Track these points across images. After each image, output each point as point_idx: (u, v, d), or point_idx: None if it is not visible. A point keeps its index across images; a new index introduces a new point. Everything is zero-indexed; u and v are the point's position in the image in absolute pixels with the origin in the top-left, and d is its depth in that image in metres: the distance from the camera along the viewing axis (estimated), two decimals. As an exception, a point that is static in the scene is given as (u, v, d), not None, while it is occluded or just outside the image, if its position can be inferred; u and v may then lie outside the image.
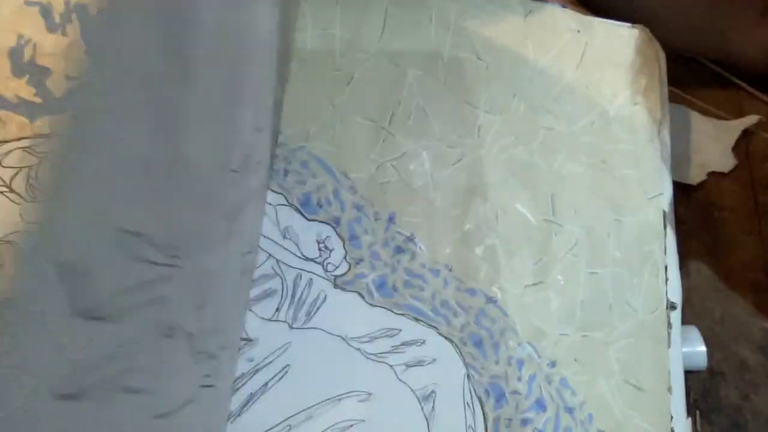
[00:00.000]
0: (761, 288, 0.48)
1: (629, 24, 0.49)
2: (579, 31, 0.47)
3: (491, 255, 0.40)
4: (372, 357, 0.36)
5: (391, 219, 0.40)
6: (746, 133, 0.56)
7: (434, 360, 0.37)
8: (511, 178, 0.42)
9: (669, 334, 0.40)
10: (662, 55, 0.48)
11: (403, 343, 0.37)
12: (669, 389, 0.39)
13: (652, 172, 0.45)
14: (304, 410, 0.35)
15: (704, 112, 0.57)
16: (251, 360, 0.36)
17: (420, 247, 0.39)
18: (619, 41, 0.48)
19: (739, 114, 0.57)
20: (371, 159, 0.41)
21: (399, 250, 0.39)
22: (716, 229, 0.51)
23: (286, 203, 0.39)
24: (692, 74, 0.59)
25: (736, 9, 0.58)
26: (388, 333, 0.37)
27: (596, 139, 0.45)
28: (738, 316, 0.45)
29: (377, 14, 0.44)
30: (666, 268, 0.42)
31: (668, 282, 0.42)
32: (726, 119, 0.57)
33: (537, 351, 0.38)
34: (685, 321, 0.44)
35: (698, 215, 0.52)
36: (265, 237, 0.38)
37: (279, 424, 0.34)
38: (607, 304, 0.40)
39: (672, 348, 0.40)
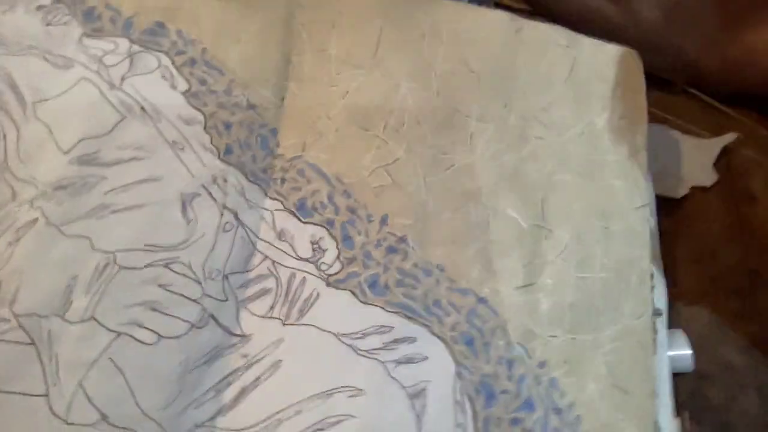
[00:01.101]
0: (745, 293, 0.49)
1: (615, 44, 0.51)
2: (568, 47, 0.49)
3: (483, 256, 0.41)
4: (364, 353, 0.37)
5: (384, 221, 0.41)
6: (726, 150, 0.58)
7: (425, 358, 0.37)
8: (502, 184, 0.44)
9: (654, 340, 0.41)
10: (643, 76, 0.50)
11: (395, 340, 0.37)
12: (654, 393, 0.40)
13: (637, 184, 0.46)
14: (293, 404, 0.35)
15: (685, 132, 0.60)
16: (245, 356, 0.36)
17: (413, 248, 0.40)
18: (607, 58, 0.50)
19: (718, 132, 0.60)
20: (364, 165, 0.42)
21: (392, 250, 0.40)
22: (701, 240, 0.53)
23: (283, 208, 0.41)
24: (671, 96, 0.62)
25: (692, 23, 0.61)
26: (380, 330, 0.38)
27: (585, 149, 0.47)
28: (724, 320, 0.46)
29: (371, 34, 0.46)
30: (652, 275, 0.43)
31: (653, 289, 0.43)
32: (706, 137, 0.60)
33: (527, 351, 0.39)
34: (672, 326, 0.45)
35: (683, 227, 0.53)
36: (261, 240, 0.39)
37: (269, 417, 0.35)
38: (596, 307, 0.41)
39: (658, 352, 0.41)
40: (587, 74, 0.49)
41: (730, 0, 0.60)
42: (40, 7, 0.42)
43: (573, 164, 0.46)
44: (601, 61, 0.50)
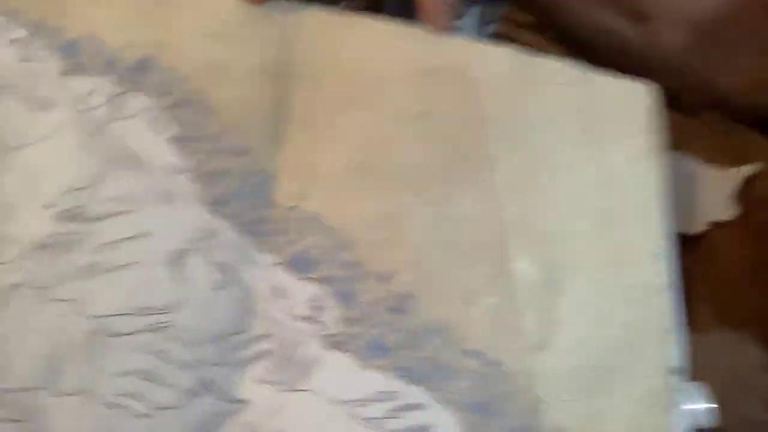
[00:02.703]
0: (768, 343, 0.46)
1: (633, 78, 0.48)
2: (578, 83, 0.47)
3: (493, 315, 0.39)
4: (366, 422, 0.35)
5: (388, 278, 0.39)
6: (748, 181, 0.55)
7: (433, 426, 0.35)
8: (511, 235, 0.41)
9: (673, 400, 0.39)
10: (664, 110, 0.47)
11: (400, 408, 0.35)
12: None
13: (656, 231, 0.44)
14: (295, 481, 0.33)
15: (704, 160, 0.57)
16: (246, 423, 0.35)
17: (418, 306, 0.38)
18: (621, 94, 0.47)
19: (744, 160, 0.57)
20: (367, 216, 0.40)
21: (396, 309, 0.38)
22: (719, 282, 0.50)
23: (279, 263, 0.38)
24: (691, 119, 0.59)
25: (722, 49, 0.58)
26: (383, 396, 0.36)
27: (598, 194, 0.44)
28: (746, 369, 0.44)
29: (373, 71, 0.43)
30: (670, 330, 0.41)
31: (672, 346, 0.40)
32: (728, 167, 0.56)
33: (541, 419, 0.37)
34: (692, 376, 0.43)
35: (700, 267, 0.51)
36: (257, 298, 0.37)
37: (269, 495, 0.33)
38: (611, 368, 0.39)
39: (676, 413, 0.39)
40: (599, 112, 0.46)
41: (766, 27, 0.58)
42: (14, 41, 0.39)
43: (585, 211, 0.43)
44: (615, 97, 0.47)
